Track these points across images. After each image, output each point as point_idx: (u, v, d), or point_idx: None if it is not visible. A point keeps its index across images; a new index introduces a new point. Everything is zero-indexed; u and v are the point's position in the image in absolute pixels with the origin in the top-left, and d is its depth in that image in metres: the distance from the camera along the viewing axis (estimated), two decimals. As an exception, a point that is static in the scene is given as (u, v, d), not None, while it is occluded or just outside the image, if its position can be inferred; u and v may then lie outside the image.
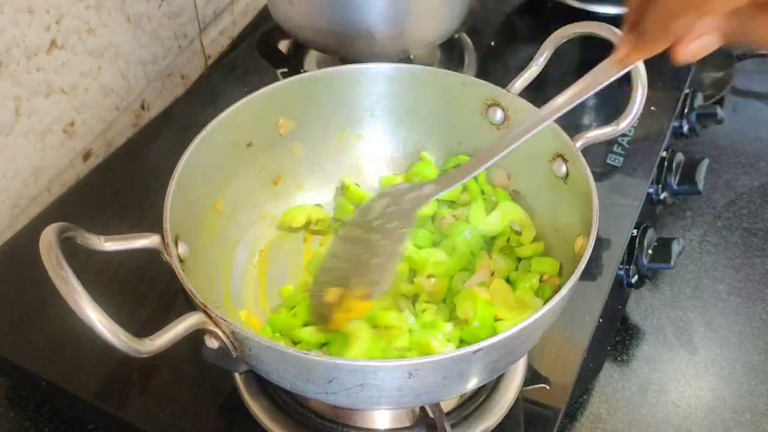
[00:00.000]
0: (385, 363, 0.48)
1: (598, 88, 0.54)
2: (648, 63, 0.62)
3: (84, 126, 0.88)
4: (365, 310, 0.58)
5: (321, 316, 0.60)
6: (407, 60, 0.94)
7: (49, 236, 0.46)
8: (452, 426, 0.61)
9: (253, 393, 0.64)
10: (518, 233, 0.70)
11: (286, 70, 0.98)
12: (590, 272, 0.73)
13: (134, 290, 0.72)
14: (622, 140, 0.88)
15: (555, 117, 0.57)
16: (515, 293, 0.63)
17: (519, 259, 0.69)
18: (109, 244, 0.53)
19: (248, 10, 1.13)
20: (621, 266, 0.79)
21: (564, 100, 0.56)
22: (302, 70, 0.98)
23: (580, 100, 0.55)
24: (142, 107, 0.98)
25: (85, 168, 0.90)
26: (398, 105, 0.75)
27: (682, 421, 0.72)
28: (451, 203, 0.74)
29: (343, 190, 0.76)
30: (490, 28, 1.08)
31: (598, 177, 0.60)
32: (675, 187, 0.90)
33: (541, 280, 0.65)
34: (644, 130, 0.89)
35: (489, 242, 0.70)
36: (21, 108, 0.79)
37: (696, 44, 0.45)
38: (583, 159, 0.62)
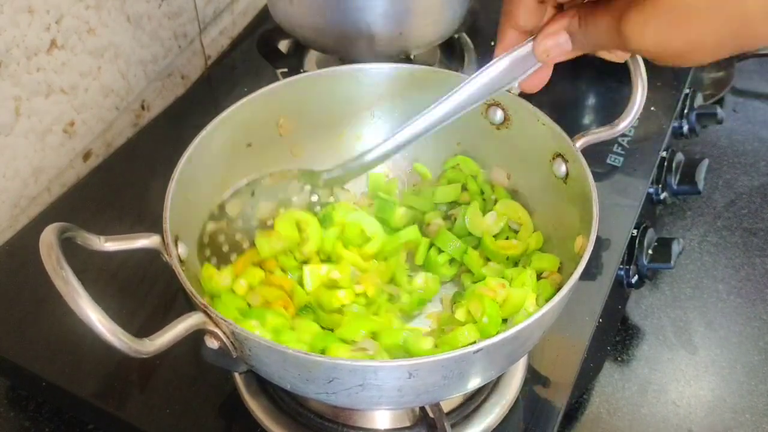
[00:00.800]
0: (385, 363, 0.49)
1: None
2: (648, 63, 0.62)
3: (84, 126, 0.88)
4: None
5: None
6: (407, 60, 0.94)
7: (49, 237, 0.46)
8: (452, 426, 0.61)
9: (253, 393, 0.64)
10: (516, 231, 0.70)
11: (286, 70, 0.98)
12: (590, 272, 0.73)
13: (134, 290, 0.72)
14: (622, 140, 0.88)
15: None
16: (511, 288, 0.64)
17: (515, 263, 0.69)
18: (109, 245, 0.53)
19: (248, 10, 1.13)
20: (621, 266, 0.79)
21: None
22: (302, 70, 0.98)
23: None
24: (142, 107, 0.98)
25: (85, 168, 0.90)
26: (398, 105, 0.75)
27: (682, 421, 0.72)
28: (451, 204, 0.74)
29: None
30: (490, 28, 1.08)
31: (598, 177, 0.60)
32: (675, 187, 0.89)
33: (541, 277, 0.65)
34: (644, 130, 0.90)
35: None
36: (21, 108, 0.79)
37: (550, 41, 0.48)
38: (583, 159, 0.62)
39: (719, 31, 0.38)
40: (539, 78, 0.54)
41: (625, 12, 0.41)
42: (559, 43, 0.48)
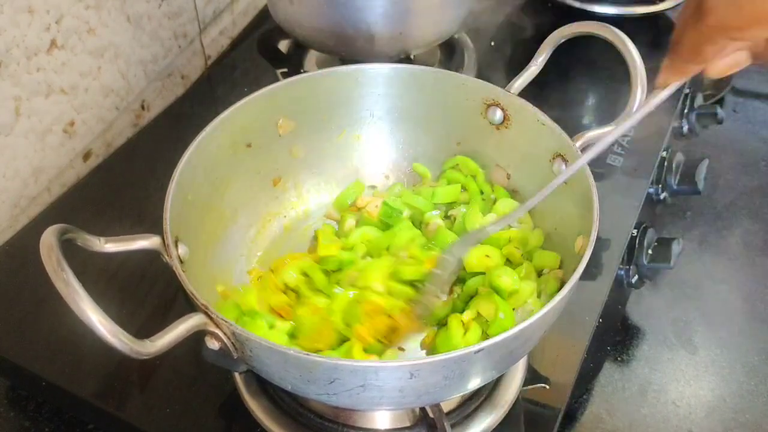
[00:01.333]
0: (386, 363, 0.49)
1: (644, 113, 0.56)
2: (648, 62, 0.63)
3: (84, 126, 0.88)
4: (409, 330, 0.63)
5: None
6: (407, 60, 0.94)
7: (49, 238, 0.46)
8: (452, 426, 0.61)
9: (253, 393, 0.64)
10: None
11: (286, 70, 0.98)
12: (590, 272, 0.73)
13: (134, 291, 0.72)
14: (622, 140, 0.88)
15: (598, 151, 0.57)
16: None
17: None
18: (110, 246, 0.53)
19: (248, 10, 1.13)
20: (621, 266, 0.79)
21: (609, 134, 0.57)
22: (302, 70, 0.98)
23: (624, 130, 0.56)
24: (142, 107, 0.98)
25: (85, 168, 0.90)
26: (398, 105, 0.75)
27: (682, 421, 0.72)
28: (451, 204, 0.74)
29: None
30: (490, 28, 1.08)
31: (598, 177, 0.60)
32: (675, 187, 0.89)
33: (542, 274, 0.65)
34: (644, 130, 0.89)
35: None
36: (21, 108, 0.79)
37: (726, 61, 0.47)
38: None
39: None
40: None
41: None
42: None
